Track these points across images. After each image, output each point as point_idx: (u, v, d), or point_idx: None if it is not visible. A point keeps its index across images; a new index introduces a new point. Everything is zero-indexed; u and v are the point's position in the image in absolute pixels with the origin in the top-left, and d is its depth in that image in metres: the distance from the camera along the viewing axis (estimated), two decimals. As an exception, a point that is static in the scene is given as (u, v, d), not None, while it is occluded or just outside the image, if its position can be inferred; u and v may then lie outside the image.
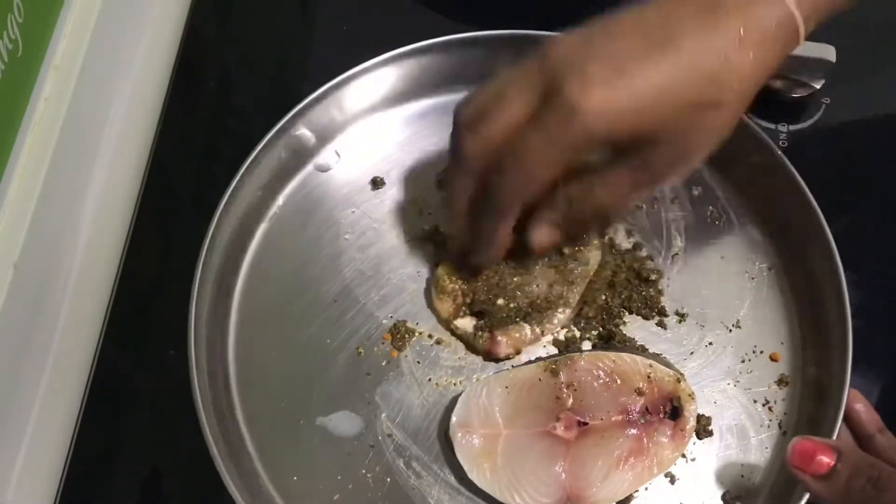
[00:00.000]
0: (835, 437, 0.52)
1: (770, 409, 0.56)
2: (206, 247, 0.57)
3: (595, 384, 0.53)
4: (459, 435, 0.53)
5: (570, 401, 0.53)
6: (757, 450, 0.55)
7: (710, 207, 0.62)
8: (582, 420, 0.53)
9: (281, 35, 0.78)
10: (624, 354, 0.54)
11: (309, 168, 0.64)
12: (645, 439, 0.52)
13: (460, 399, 0.55)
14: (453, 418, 0.54)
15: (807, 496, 0.51)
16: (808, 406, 0.56)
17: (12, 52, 0.56)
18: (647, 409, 0.53)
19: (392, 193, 0.64)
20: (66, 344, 0.62)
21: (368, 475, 0.55)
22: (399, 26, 0.75)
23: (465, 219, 0.54)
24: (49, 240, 0.61)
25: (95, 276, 0.65)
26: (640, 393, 0.53)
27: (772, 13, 0.47)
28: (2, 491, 0.56)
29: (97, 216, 0.65)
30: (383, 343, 0.59)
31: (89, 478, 0.60)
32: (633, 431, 0.53)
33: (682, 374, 0.55)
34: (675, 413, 0.53)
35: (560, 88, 0.46)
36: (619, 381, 0.53)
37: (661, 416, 0.53)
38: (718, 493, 0.54)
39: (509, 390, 0.54)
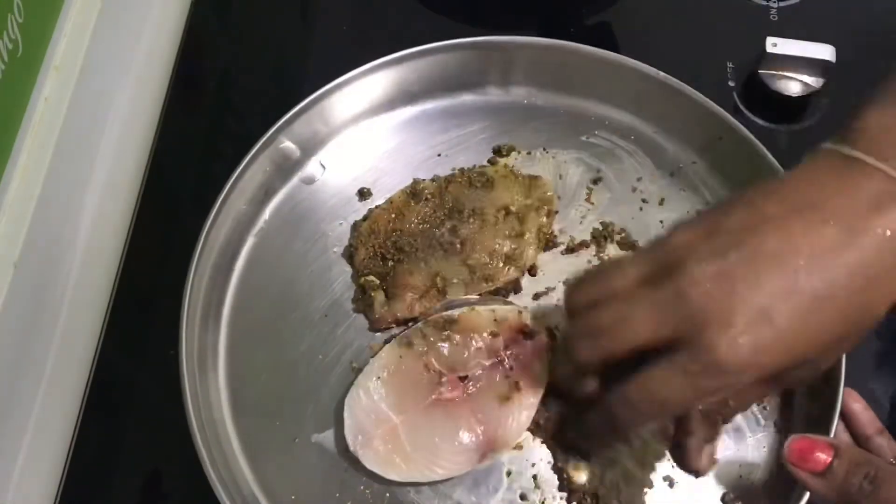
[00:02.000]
0: (832, 435, 0.52)
1: (765, 408, 0.56)
2: (193, 267, 0.56)
3: (454, 342, 0.55)
4: (360, 449, 0.53)
5: (437, 365, 0.55)
6: (754, 449, 0.55)
7: (700, 209, 0.61)
8: (462, 375, 0.55)
9: (281, 35, 0.78)
10: (465, 309, 0.56)
11: (294, 181, 0.63)
12: (518, 366, 0.55)
13: (344, 414, 0.54)
14: (347, 436, 0.53)
15: (808, 494, 0.50)
16: (804, 404, 0.56)
17: (12, 52, 0.56)
18: (506, 344, 0.55)
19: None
20: (66, 344, 0.62)
21: (367, 491, 0.54)
22: (400, 27, 0.75)
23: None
24: (49, 240, 0.61)
25: (95, 276, 0.65)
26: (494, 335, 0.55)
27: None
28: (2, 491, 0.56)
29: (97, 216, 0.65)
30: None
31: (89, 478, 0.60)
32: (508, 364, 0.55)
33: (522, 307, 0.57)
34: (530, 336, 0.56)
35: (703, 339, 0.42)
36: (473, 334, 0.55)
37: (521, 342, 0.56)
38: (718, 494, 0.54)
39: (381, 379, 0.54)
